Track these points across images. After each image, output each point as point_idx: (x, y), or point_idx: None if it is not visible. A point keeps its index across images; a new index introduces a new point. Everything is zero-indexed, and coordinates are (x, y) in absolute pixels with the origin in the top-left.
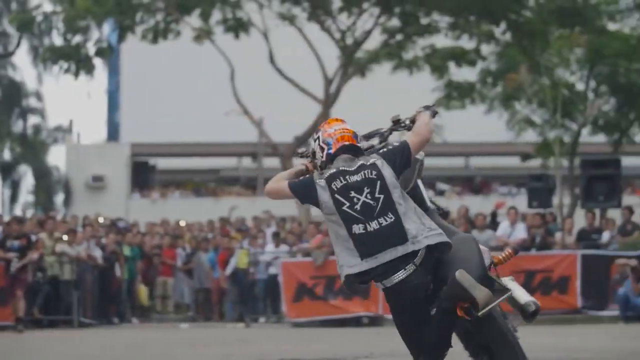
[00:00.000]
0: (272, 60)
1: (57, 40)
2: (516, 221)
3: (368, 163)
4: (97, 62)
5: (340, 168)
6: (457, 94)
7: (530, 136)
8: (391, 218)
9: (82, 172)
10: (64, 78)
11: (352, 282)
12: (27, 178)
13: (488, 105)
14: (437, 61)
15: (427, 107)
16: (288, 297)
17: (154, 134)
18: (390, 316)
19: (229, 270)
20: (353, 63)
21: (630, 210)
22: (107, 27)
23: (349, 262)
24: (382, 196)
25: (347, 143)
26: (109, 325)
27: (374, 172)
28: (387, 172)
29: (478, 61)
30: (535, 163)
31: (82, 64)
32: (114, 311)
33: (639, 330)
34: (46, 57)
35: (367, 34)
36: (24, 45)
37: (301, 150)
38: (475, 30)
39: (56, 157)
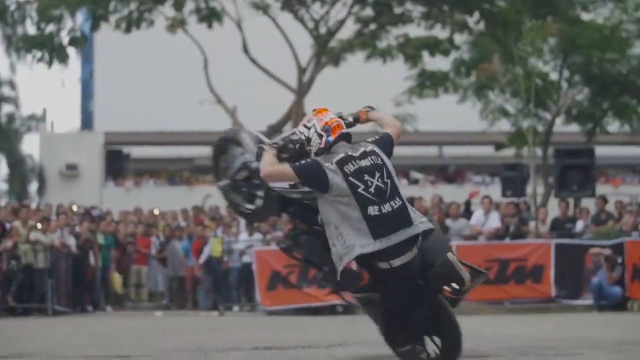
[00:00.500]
0: (245, 49)
1: (31, 29)
2: (490, 210)
3: (368, 150)
4: (71, 51)
5: (348, 153)
6: (430, 83)
7: (504, 125)
8: (399, 202)
9: (56, 160)
10: (38, 67)
11: (350, 273)
12: (0, 166)
13: (461, 95)
14: (411, 50)
15: (371, 108)
16: (262, 286)
17: (127, 123)
18: None
19: (202, 258)
20: (326, 52)
21: (604, 199)
22: (80, 16)
23: (361, 242)
24: (389, 181)
25: (344, 131)
26: (83, 313)
27: (379, 158)
28: (386, 159)
29: (451, 51)
30: (508, 152)
31: (55, 52)
32: (88, 299)
33: (612, 319)
34: (19, 46)
35: (341, 23)
36: None
37: (276, 140)
38: (449, 20)
39: (30, 145)
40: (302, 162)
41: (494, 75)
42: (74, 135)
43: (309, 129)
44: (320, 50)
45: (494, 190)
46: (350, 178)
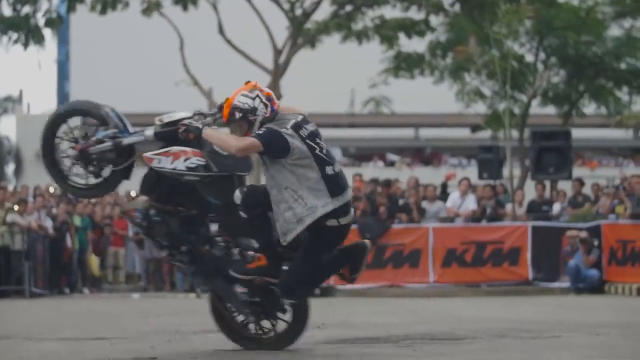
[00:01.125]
0: (221, 31)
1: (6, 10)
2: (466, 192)
3: (306, 116)
4: (47, 32)
5: (297, 119)
6: (405, 65)
7: (480, 108)
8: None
9: (32, 142)
10: (14, 48)
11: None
12: None
13: (437, 77)
14: (387, 32)
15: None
16: None
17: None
18: (342, 286)
19: None
20: (302, 34)
21: (580, 182)
22: None
23: (323, 202)
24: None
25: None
26: (60, 295)
27: (315, 125)
28: None
29: (427, 32)
30: (485, 135)
31: (31, 34)
32: (65, 281)
33: (589, 301)
34: None
35: (316, 4)
36: None
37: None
38: (424, 2)
39: (6, 127)
40: (260, 132)
41: (470, 57)
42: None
43: (253, 99)
44: (296, 32)
45: (470, 173)
46: (307, 141)
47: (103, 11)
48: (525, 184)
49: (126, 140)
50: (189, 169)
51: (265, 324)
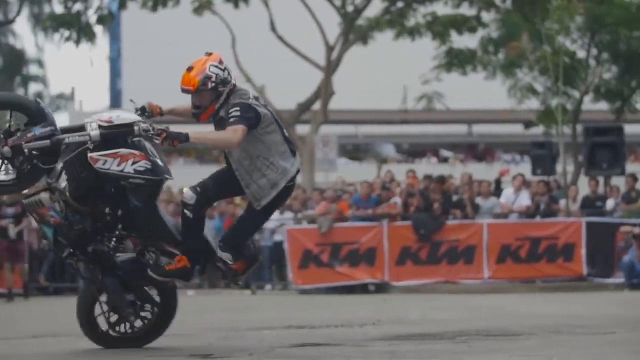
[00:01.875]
0: (273, 27)
1: (58, 7)
2: (520, 188)
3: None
4: (98, 29)
5: (250, 92)
6: (457, 61)
7: (533, 103)
8: None
9: None
10: (66, 45)
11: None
12: None
13: (490, 72)
14: (438, 28)
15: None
16: (294, 264)
17: (156, 101)
18: (397, 283)
19: None
20: (354, 30)
21: (634, 177)
22: None
23: (290, 163)
24: None
25: None
26: None
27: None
28: None
29: (479, 28)
30: (537, 130)
31: (83, 31)
32: None
33: None
34: (47, 25)
35: (368, 1)
36: (24, 13)
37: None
38: None
39: (59, 124)
40: (237, 114)
41: (522, 53)
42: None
43: (223, 70)
44: (348, 28)
45: (524, 169)
46: (268, 108)
47: (154, 8)
48: (578, 180)
49: (68, 139)
50: (137, 171)
51: (138, 322)
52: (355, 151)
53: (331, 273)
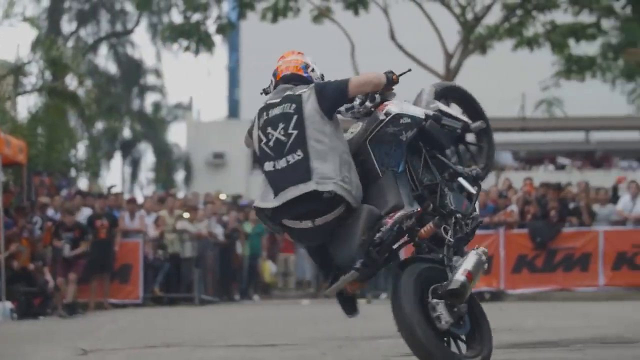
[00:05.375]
0: (392, 36)
1: (177, 17)
2: (637, 195)
3: (295, 94)
4: (217, 39)
5: (268, 102)
6: (576, 68)
7: None
8: (299, 155)
9: (202, 149)
10: (184, 55)
11: (264, 217)
12: (147, 156)
13: (610, 80)
14: (557, 37)
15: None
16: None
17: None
18: (512, 291)
19: None
20: (473, 38)
21: None
22: (226, 4)
23: (264, 196)
24: (295, 132)
25: (288, 73)
26: (230, 302)
27: (293, 106)
28: (309, 106)
29: (598, 36)
30: None
31: (202, 41)
32: (236, 288)
33: None
34: (166, 35)
35: (487, 9)
36: (143, 23)
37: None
38: (595, 5)
39: (176, 134)
40: None
41: None
42: (221, 124)
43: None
44: (467, 37)
45: None
46: (258, 131)
47: (274, 19)
48: None
49: None
50: None
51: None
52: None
53: None
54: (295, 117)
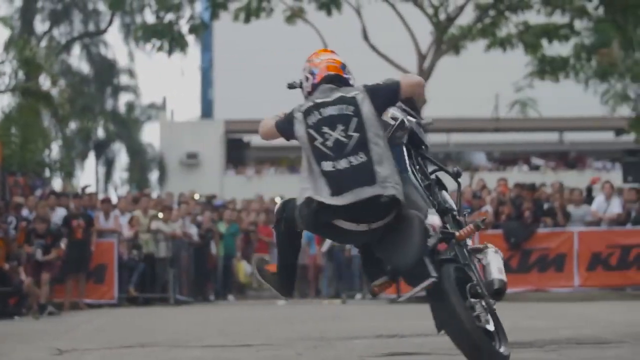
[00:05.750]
0: (365, 36)
1: (150, 17)
2: (611, 196)
3: (348, 95)
4: (190, 39)
5: (317, 100)
6: (550, 69)
7: (625, 111)
8: (362, 158)
9: (176, 149)
10: (157, 55)
11: (312, 211)
12: (121, 156)
13: (583, 80)
14: (530, 38)
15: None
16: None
17: (248, 111)
18: None
19: (325, 246)
20: (446, 39)
21: None
22: (199, 5)
23: (318, 192)
24: (357, 134)
25: (331, 73)
26: (205, 302)
27: (350, 108)
28: (366, 109)
29: (571, 36)
30: (629, 138)
31: (175, 41)
32: (210, 288)
33: None
34: (139, 35)
35: (460, 9)
36: (116, 23)
37: (291, 81)
38: (568, 6)
39: (150, 134)
40: (282, 115)
41: (613, 61)
42: (194, 124)
43: (302, 71)
44: (440, 37)
45: (615, 176)
46: (310, 129)
47: (247, 20)
48: None
49: None
50: None
51: None
52: (446, 159)
53: None
54: (355, 119)
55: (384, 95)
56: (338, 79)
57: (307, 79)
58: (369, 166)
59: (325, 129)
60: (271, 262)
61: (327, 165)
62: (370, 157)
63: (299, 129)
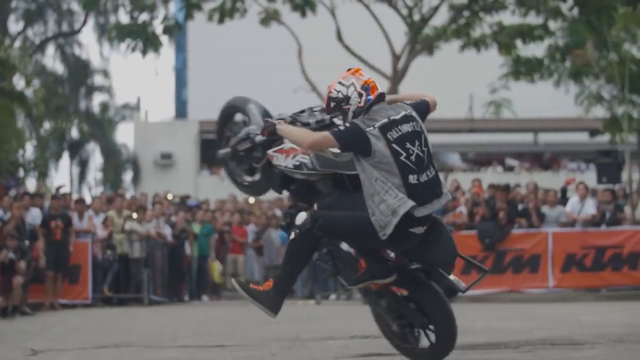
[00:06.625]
0: (339, 37)
1: (124, 18)
2: (586, 197)
3: (408, 113)
4: (164, 39)
5: (391, 118)
6: (525, 70)
7: (599, 112)
8: (433, 172)
9: (150, 149)
10: (131, 55)
11: (400, 221)
12: (95, 156)
13: (557, 80)
14: (504, 39)
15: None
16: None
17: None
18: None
19: None
20: (420, 39)
21: None
22: (173, 5)
23: (402, 201)
24: (426, 149)
25: (382, 91)
26: (179, 303)
27: (418, 125)
28: (423, 126)
29: (545, 37)
30: (603, 139)
31: (149, 41)
32: (185, 289)
33: None
34: (113, 35)
35: (434, 10)
36: (90, 23)
37: (283, 116)
38: (542, 7)
39: (124, 134)
40: (342, 128)
41: (587, 62)
42: (169, 124)
43: (347, 87)
44: (414, 38)
45: (589, 177)
46: (393, 145)
47: (221, 20)
48: None
49: (257, 138)
50: (295, 166)
51: (424, 342)
52: None
53: None
54: (422, 135)
55: (424, 113)
56: (384, 97)
57: (360, 95)
58: (437, 179)
59: (408, 145)
60: (251, 280)
61: (413, 179)
62: (436, 170)
63: (378, 144)
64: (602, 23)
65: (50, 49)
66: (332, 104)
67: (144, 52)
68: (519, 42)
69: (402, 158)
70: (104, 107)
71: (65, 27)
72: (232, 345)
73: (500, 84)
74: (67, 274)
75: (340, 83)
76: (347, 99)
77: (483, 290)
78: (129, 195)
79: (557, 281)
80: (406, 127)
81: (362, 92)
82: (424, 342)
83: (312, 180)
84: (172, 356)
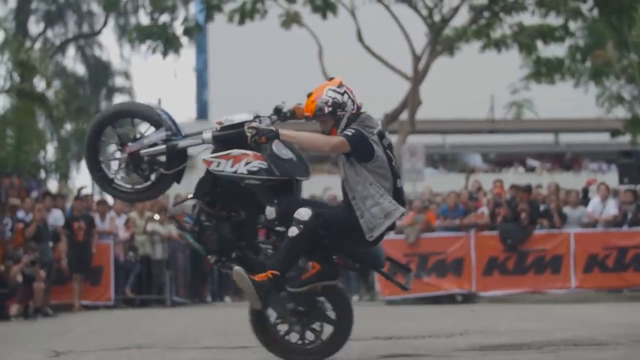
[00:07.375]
0: (360, 38)
1: (144, 19)
2: (607, 197)
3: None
4: (184, 41)
5: (379, 128)
6: (545, 70)
7: (620, 112)
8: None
9: None
10: (152, 57)
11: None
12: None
13: (576, 80)
14: (525, 39)
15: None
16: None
17: (242, 112)
18: (484, 293)
19: None
20: (441, 40)
21: None
22: (193, 6)
23: (394, 203)
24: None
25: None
26: (201, 304)
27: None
28: None
29: (566, 38)
30: (625, 139)
31: (169, 43)
32: (207, 290)
33: None
34: (133, 36)
35: (455, 11)
36: (110, 24)
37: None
38: (562, 7)
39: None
40: (350, 133)
41: (608, 62)
42: (189, 125)
43: (342, 94)
44: (435, 38)
45: (610, 178)
46: (387, 151)
47: (241, 21)
48: None
49: (181, 144)
50: (250, 172)
51: (309, 335)
52: (442, 161)
53: (418, 283)
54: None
55: None
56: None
57: (353, 102)
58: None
59: (393, 153)
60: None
61: (399, 183)
62: None
63: (378, 149)
64: (623, 23)
65: (71, 50)
66: (327, 109)
67: (164, 54)
68: (539, 43)
69: (392, 164)
70: None
71: (85, 29)
72: (255, 347)
73: (521, 85)
74: (89, 275)
75: (333, 90)
76: (343, 105)
77: (505, 291)
78: None
79: (579, 282)
80: (389, 137)
81: (354, 99)
82: (316, 341)
83: (264, 186)
84: (194, 357)
